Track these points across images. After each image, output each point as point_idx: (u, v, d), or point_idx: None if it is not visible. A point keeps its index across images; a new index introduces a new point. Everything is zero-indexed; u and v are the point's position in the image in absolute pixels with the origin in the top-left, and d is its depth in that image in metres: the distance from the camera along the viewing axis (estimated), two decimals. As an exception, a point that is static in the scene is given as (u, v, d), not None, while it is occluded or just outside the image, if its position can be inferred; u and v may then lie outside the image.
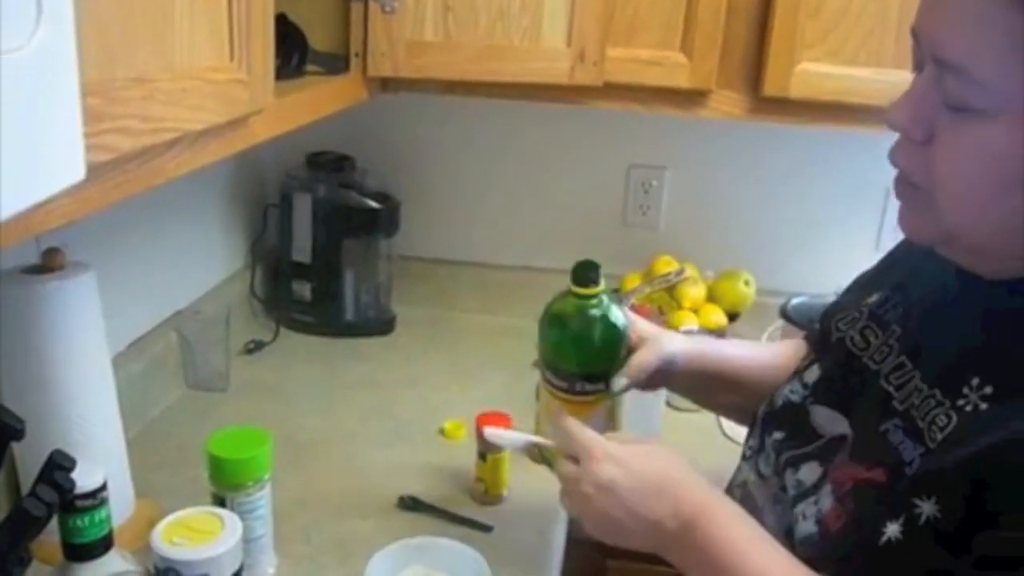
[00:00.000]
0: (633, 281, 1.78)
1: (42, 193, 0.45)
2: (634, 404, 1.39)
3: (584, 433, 0.87)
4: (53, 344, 1.01)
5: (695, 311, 1.77)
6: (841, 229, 1.85)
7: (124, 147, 0.66)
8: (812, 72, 1.40)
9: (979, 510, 0.63)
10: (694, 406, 1.57)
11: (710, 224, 1.92)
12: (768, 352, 1.13)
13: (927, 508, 0.66)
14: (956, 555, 0.64)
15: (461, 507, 1.26)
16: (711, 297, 1.80)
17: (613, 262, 1.91)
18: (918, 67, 0.70)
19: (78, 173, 0.48)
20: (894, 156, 0.73)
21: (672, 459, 0.84)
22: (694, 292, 1.77)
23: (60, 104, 0.46)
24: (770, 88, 1.42)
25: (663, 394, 1.49)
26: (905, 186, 0.73)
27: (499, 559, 1.12)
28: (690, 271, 1.77)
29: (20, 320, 1.00)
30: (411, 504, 1.25)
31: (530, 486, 1.30)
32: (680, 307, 1.76)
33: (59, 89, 0.46)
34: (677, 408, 1.58)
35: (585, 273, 0.98)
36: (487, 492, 1.28)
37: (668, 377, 1.06)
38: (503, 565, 1.12)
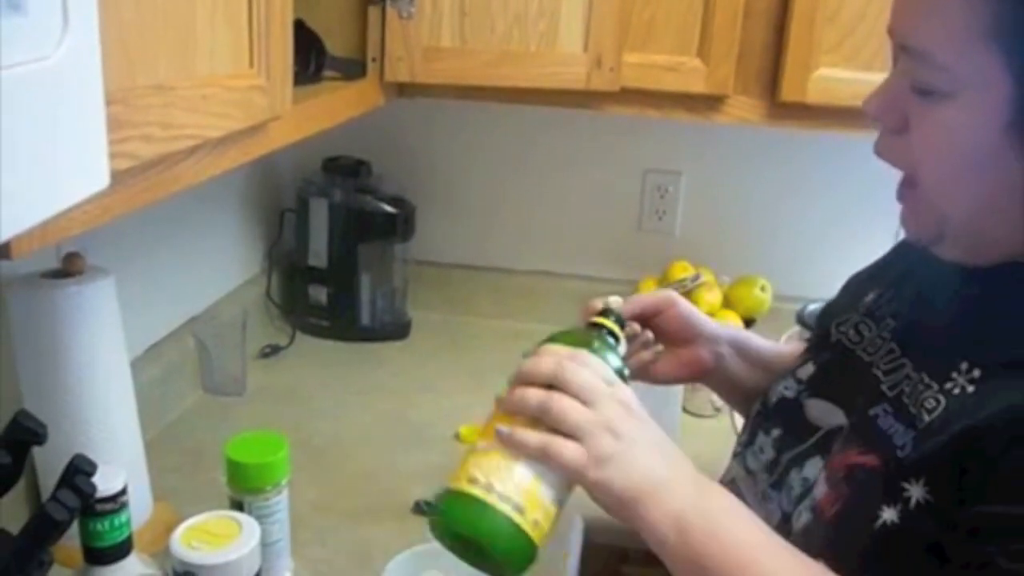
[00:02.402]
0: (648, 287, 1.78)
1: (68, 201, 0.45)
2: (649, 410, 1.39)
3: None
4: (72, 348, 1.02)
5: (711, 317, 1.76)
6: (858, 234, 1.84)
7: (145, 154, 0.67)
8: (829, 77, 1.39)
9: (966, 488, 0.66)
10: (710, 411, 1.58)
11: (726, 229, 1.91)
12: (781, 345, 1.14)
13: (916, 491, 0.69)
14: (950, 531, 0.67)
15: (477, 512, 1.25)
16: (727, 303, 1.80)
17: (628, 267, 1.92)
18: (894, 63, 0.76)
19: (103, 181, 0.49)
20: (877, 148, 0.78)
21: None
22: (710, 298, 1.77)
23: (85, 113, 0.47)
24: (787, 93, 1.42)
25: (679, 400, 1.49)
26: (903, 188, 0.77)
27: (515, 565, 1.12)
28: (706, 276, 1.77)
29: (39, 324, 1.01)
30: (427, 509, 1.25)
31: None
32: (696, 312, 1.76)
33: (84, 98, 0.46)
34: (694, 414, 1.58)
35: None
36: (503, 497, 1.27)
37: (715, 371, 1.06)
38: (519, 571, 1.12)
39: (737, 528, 0.75)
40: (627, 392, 0.80)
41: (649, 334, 1.04)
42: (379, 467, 1.38)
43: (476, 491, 0.75)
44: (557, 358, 0.79)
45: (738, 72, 1.44)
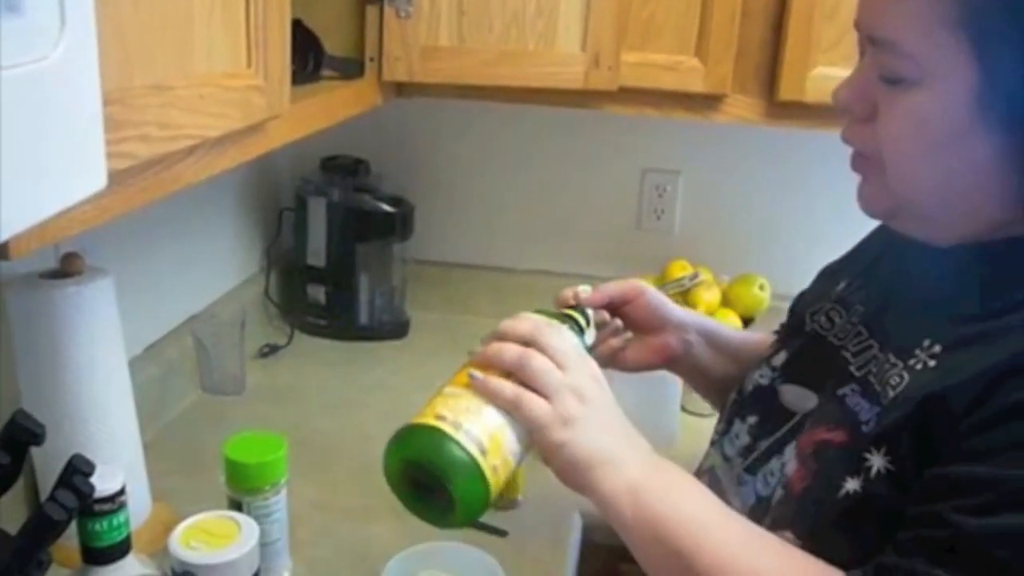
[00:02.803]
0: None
1: (66, 201, 0.45)
2: (649, 409, 1.39)
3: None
4: (71, 348, 1.01)
5: (710, 316, 1.76)
6: (856, 233, 1.83)
7: (143, 154, 0.67)
8: (827, 76, 1.39)
9: (925, 455, 0.69)
10: (709, 410, 1.58)
11: (725, 228, 1.91)
12: (748, 333, 1.16)
13: (877, 461, 0.72)
14: (908, 496, 0.70)
15: (476, 511, 1.25)
16: (726, 301, 1.80)
17: (627, 266, 1.92)
18: (861, 56, 0.78)
19: (100, 181, 0.49)
20: (844, 134, 0.80)
21: None
22: (709, 296, 1.77)
23: (83, 113, 0.47)
24: (785, 92, 1.42)
25: (679, 400, 1.49)
26: (859, 159, 0.80)
27: (514, 564, 1.12)
28: (705, 275, 1.77)
29: (38, 325, 1.01)
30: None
31: (545, 491, 1.30)
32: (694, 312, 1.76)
33: (82, 98, 0.46)
34: (692, 413, 1.58)
35: None
36: (502, 496, 1.27)
37: (683, 358, 1.07)
38: (518, 570, 1.12)
39: (691, 500, 0.78)
40: (596, 366, 0.83)
41: (618, 322, 1.05)
42: (378, 466, 1.37)
43: (444, 426, 0.77)
44: (535, 322, 0.83)
45: (736, 71, 1.44)
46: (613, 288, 1.03)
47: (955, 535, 0.64)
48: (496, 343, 0.82)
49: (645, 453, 0.80)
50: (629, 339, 1.06)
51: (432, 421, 0.78)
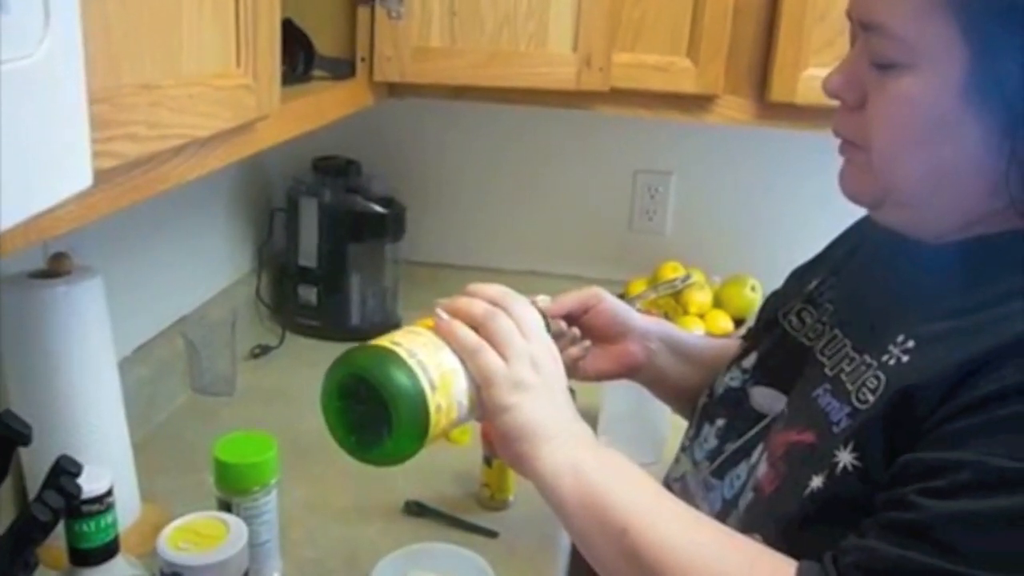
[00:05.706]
0: (639, 287, 1.78)
1: (51, 200, 0.45)
2: (640, 413, 1.39)
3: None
4: (60, 349, 1.01)
5: (701, 317, 1.77)
6: (847, 234, 1.84)
7: (131, 154, 0.67)
8: (818, 78, 1.38)
9: (894, 449, 0.69)
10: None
11: (716, 229, 1.91)
12: (710, 339, 1.15)
13: (844, 457, 0.71)
14: (874, 487, 0.69)
15: (467, 512, 1.25)
16: (717, 303, 1.80)
17: (619, 267, 1.92)
18: (852, 46, 0.78)
19: (86, 180, 0.48)
20: (835, 125, 0.80)
21: None
22: (700, 298, 1.77)
23: (68, 111, 0.46)
24: (776, 94, 1.42)
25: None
26: (847, 144, 0.79)
27: (504, 565, 1.12)
28: (696, 277, 1.77)
29: (27, 325, 1.00)
30: (416, 509, 1.25)
31: (536, 492, 1.30)
32: (686, 313, 1.76)
33: (67, 96, 0.46)
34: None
35: None
36: (493, 497, 1.27)
37: (646, 366, 1.06)
38: (508, 571, 1.12)
39: (637, 482, 0.77)
40: (556, 348, 0.84)
41: (576, 331, 1.03)
42: (368, 467, 1.37)
43: (398, 350, 0.76)
44: (506, 289, 0.85)
45: (728, 72, 1.44)
46: (571, 299, 1.02)
47: (915, 517, 0.65)
48: (466, 298, 0.83)
49: (590, 437, 0.80)
50: (588, 347, 1.04)
51: (387, 344, 0.77)
